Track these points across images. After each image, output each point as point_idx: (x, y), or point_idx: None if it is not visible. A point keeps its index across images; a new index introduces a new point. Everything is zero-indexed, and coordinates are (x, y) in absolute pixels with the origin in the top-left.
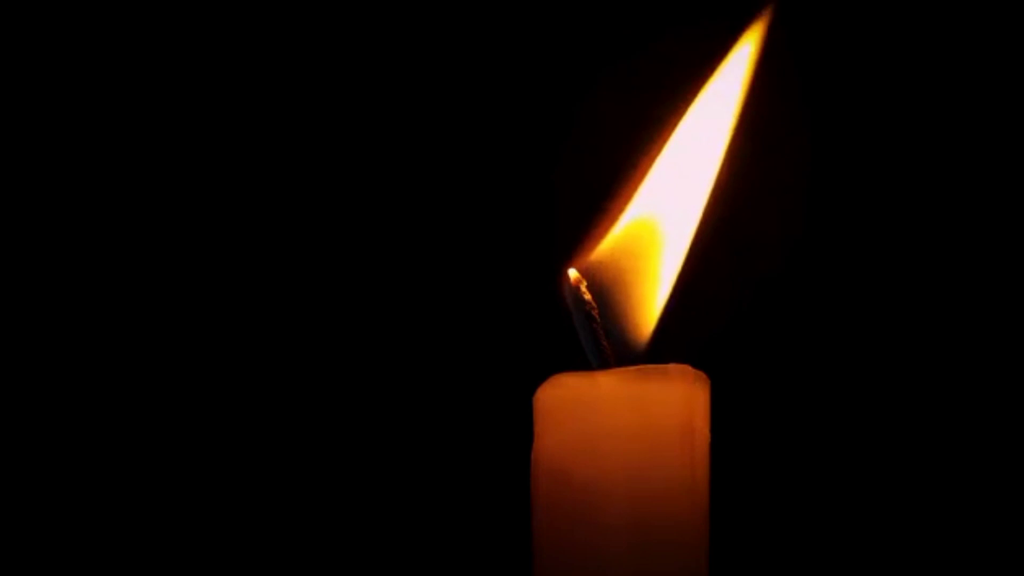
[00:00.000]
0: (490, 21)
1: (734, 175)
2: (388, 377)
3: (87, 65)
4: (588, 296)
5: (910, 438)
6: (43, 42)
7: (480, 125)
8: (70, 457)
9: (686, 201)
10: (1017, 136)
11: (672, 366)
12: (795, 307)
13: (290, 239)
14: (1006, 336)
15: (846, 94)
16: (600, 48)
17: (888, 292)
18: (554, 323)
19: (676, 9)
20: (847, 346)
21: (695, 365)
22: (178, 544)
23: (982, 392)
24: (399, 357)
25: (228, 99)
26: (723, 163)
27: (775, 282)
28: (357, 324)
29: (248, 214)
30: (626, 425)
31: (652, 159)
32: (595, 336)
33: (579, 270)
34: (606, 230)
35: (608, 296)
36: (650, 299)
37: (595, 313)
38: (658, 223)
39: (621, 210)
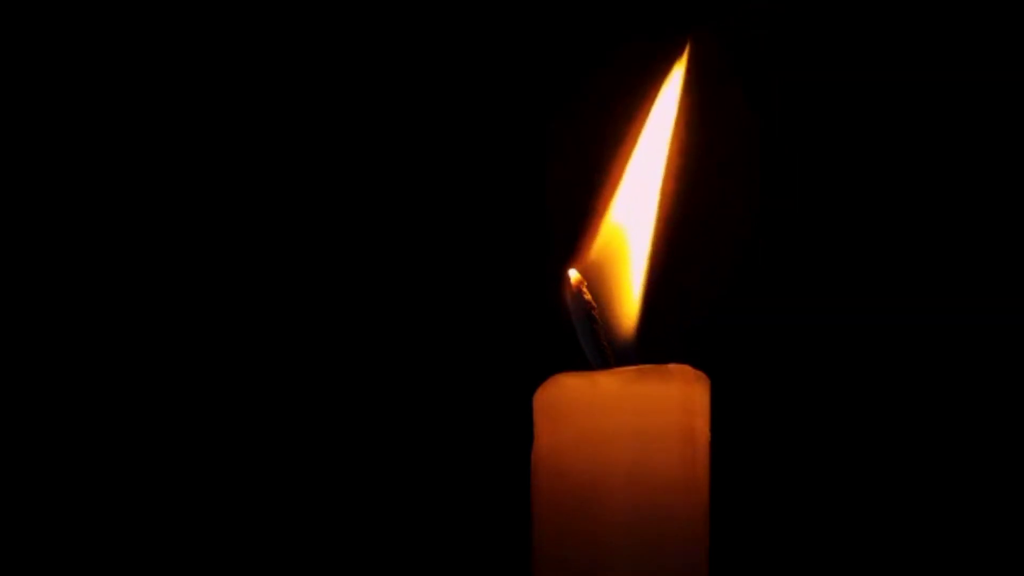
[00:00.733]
0: (492, 22)
1: (687, 174)
2: (388, 377)
3: (87, 65)
4: (588, 296)
5: (910, 438)
6: (43, 42)
7: (479, 126)
8: (70, 457)
9: (646, 201)
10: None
11: (672, 366)
12: (795, 307)
13: (290, 241)
14: (1006, 336)
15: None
16: (596, 49)
17: (888, 292)
18: (554, 323)
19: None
20: (847, 346)
21: (695, 365)
22: (178, 544)
23: (982, 392)
24: (399, 357)
25: (228, 99)
26: (671, 163)
27: (755, 270)
28: (358, 325)
29: (248, 215)
30: (626, 425)
31: (622, 166)
32: (595, 336)
33: (578, 271)
34: (592, 235)
35: (602, 297)
36: (630, 296)
37: (595, 313)
38: (626, 226)
39: (601, 216)
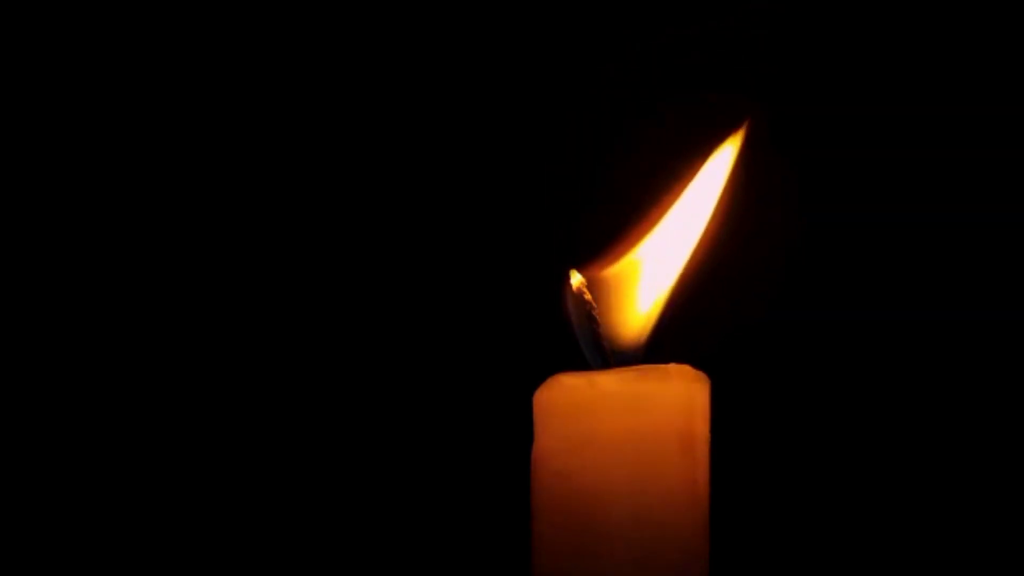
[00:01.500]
0: (500, 20)
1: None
2: (389, 377)
3: (87, 65)
4: (589, 297)
5: (910, 438)
6: (43, 42)
7: (480, 128)
8: (70, 457)
9: (680, 246)
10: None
11: (672, 366)
12: (794, 307)
13: (291, 241)
14: (1006, 337)
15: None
16: (603, 53)
17: (887, 292)
18: (554, 323)
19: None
20: (847, 346)
21: (695, 365)
22: (178, 544)
23: (982, 392)
24: (400, 358)
25: (227, 100)
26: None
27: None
28: (358, 325)
29: (248, 216)
30: (626, 425)
31: (663, 209)
32: (595, 337)
33: (580, 274)
34: (612, 261)
35: (603, 299)
36: (632, 302)
37: (595, 314)
38: (648, 264)
39: (627, 251)
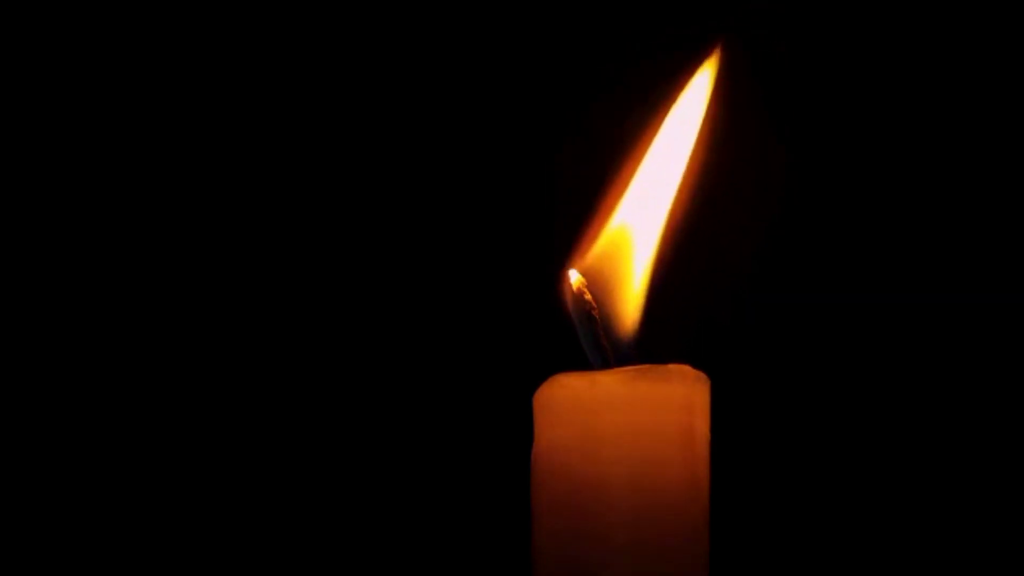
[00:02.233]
0: (500, 22)
1: (704, 179)
2: (389, 377)
3: (87, 65)
4: (589, 296)
5: (910, 438)
6: (43, 42)
7: (479, 126)
8: (70, 457)
9: (657, 206)
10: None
11: (672, 366)
12: (794, 307)
13: (290, 241)
14: (1006, 336)
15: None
16: (594, 51)
17: (887, 292)
18: (554, 323)
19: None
20: (846, 345)
21: (695, 365)
22: (178, 544)
23: (983, 391)
24: (400, 358)
25: (227, 100)
26: (690, 168)
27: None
28: (358, 325)
29: (248, 216)
30: (626, 425)
31: (632, 168)
32: (595, 336)
33: (579, 271)
34: (594, 236)
35: (602, 297)
36: (630, 296)
37: (595, 314)
38: (633, 229)
39: (606, 218)
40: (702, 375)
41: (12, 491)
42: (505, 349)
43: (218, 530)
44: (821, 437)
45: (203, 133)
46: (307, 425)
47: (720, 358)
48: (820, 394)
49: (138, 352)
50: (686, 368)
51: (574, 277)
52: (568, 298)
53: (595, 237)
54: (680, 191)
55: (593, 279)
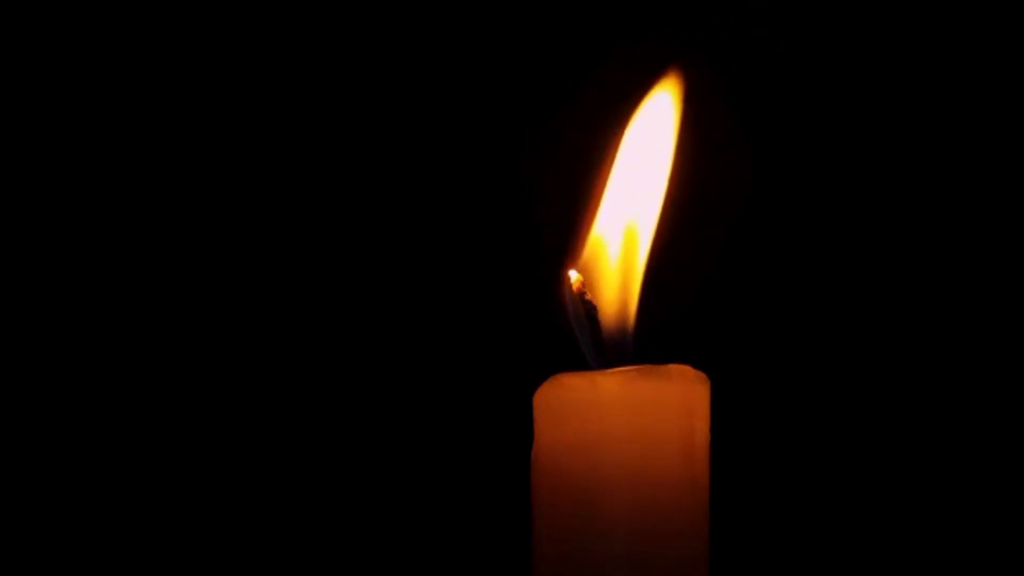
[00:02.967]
0: (487, 25)
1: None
2: (389, 378)
3: (87, 65)
4: (589, 297)
5: (910, 437)
6: (43, 42)
7: (478, 127)
8: (70, 457)
9: (643, 204)
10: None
11: (672, 366)
12: (794, 307)
13: (290, 242)
14: (1006, 336)
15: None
16: (593, 51)
17: (886, 292)
18: (554, 323)
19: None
20: (846, 346)
21: (695, 365)
22: (178, 544)
23: (982, 390)
24: (400, 358)
25: (226, 101)
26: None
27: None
28: (358, 325)
29: (247, 216)
30: (626, 425)
31: (609, 168)
32: (595, 337)
33: (577, 271)
34: (586, 237)
35: (599, 295)
36: (623, 293)
37: (595, 314)
38: (617, 229)
39: (592, 219)
40: (702, 375)
41: (12, 491)
42: (505, 349)
43: (218, 530)
44: (821, 437)
45: (201, 134)
46: (308, 425)
47: (720, 358)
48: (820, 394)
49: (138, 352)
50: (686, 368)
51: (574, 278)
52: (568, 298)
53: (586, 238)
54: (658, 190)
55: (589, 277)
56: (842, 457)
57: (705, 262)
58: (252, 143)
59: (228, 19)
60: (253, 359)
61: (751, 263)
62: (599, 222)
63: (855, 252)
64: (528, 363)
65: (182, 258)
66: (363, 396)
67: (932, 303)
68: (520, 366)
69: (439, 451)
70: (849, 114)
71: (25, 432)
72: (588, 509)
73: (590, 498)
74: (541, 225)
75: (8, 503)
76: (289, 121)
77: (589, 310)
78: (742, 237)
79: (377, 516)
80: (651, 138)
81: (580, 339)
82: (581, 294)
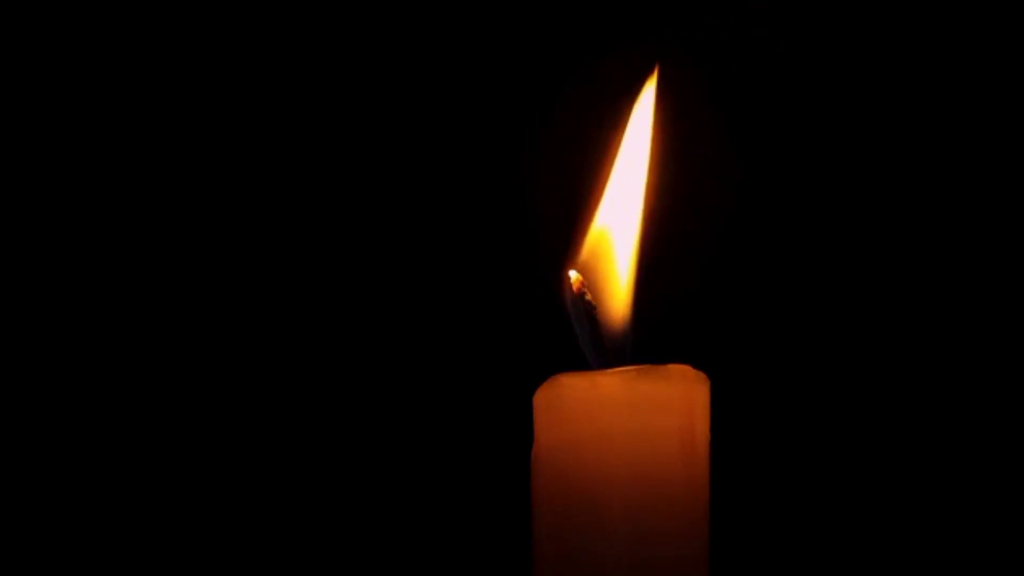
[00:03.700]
0: (485, 25)
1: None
2: (389, 378)
3: (87, 65)
4: (589, 297)
5: (910, 437)
6: (43, 42)
7: (477, 127)
8: (70, 457)
9: (630, 206)
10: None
11: (672, 366)
12: (794, 307)
13: (290, 242)
14: (1006, 335)
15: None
16: (592, 50)
17: (886, 292)
18: (554, 323)
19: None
20: (846, 346)
21: (695, 365)
22: (178, 544)
23: (982, 390)
24: (400, 358)
25: (226, 101)
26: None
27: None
28: (358, 325)
29: (247, 217)
30: (626, 425)
31: (609, 169)
32: (595, 337)
33: (576, 271)
34: (582, 237)
35: (598, 295)
36: (621, 292)
37: (595, 314)
38: (612, 228)
39: (590, 219)
40: (702, 375)
41: (12, 491)
42: (505, 349)
43: (218, 530)
44: (821, 437)
45: (200, 134)
46: (308, 425)
47: (720, 358)
48: (820, 394)
49: (138, 352)
50: (686, 368)
51: (574, 278)
52: (568, 299)
53: (584, 238)
54: (647, 186)
55: (588, 278)
56: (842, 457)
57: (705, 262)
58: (252, 143)
59: (228, 19)
60: (254, 359)
61: (751, 263)
62: (598, 222)
63: (855, 252)
64: (528, 363)
65: (182, 258)
66: (364, 396)
67: (932, 303)
68: (520, 366)
69: (440, 451)
70: (849, 114)
71: (25, 432)
72: (588, 509)
73: (590, 498)
74: (541, 225)
75: (8, 503)
76: (289, 121)
77: (589, 310)
78: (742, 237)
79: (378, 516)
80: (650, 137)
81: (580, 339)
82: (581, 294)
